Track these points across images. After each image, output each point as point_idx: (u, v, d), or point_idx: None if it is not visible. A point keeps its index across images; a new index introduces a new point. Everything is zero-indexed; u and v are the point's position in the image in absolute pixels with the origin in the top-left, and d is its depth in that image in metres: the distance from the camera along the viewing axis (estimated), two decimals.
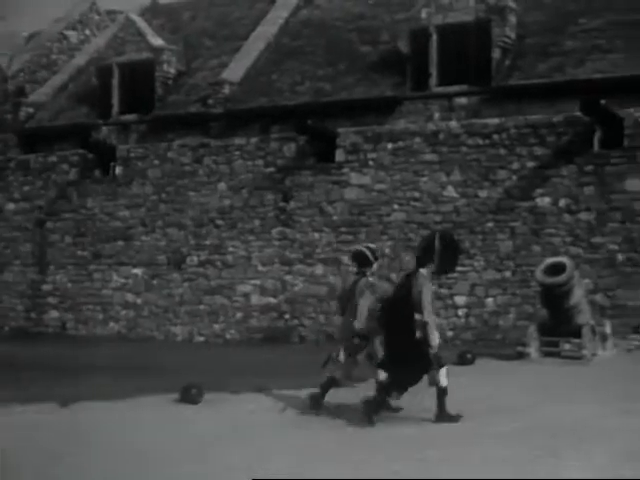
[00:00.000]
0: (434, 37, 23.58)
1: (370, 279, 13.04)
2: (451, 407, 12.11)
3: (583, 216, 20.89)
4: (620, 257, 20.47)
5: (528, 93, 22.17)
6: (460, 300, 22.02)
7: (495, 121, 22.00)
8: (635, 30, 22.05)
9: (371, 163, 23.48)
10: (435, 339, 11.91)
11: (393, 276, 22.59)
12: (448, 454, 10.33)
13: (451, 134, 22.58)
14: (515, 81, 22.59)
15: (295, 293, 24.24)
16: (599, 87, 20.75)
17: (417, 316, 11.83)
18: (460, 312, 22.02)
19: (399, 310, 12.02)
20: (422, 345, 11.85)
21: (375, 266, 13.20)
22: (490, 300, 21.59)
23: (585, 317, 18.23)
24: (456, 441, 11.02)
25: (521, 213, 21.54)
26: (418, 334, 11.81)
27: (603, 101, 20.08)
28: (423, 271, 12.11)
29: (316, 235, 24.01)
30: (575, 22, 23.26)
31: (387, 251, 22.87)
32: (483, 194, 22.03)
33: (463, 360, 17.80)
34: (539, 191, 21.36)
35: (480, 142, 22.13)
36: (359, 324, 12.71)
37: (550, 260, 18.78)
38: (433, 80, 23.53)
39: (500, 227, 21.76)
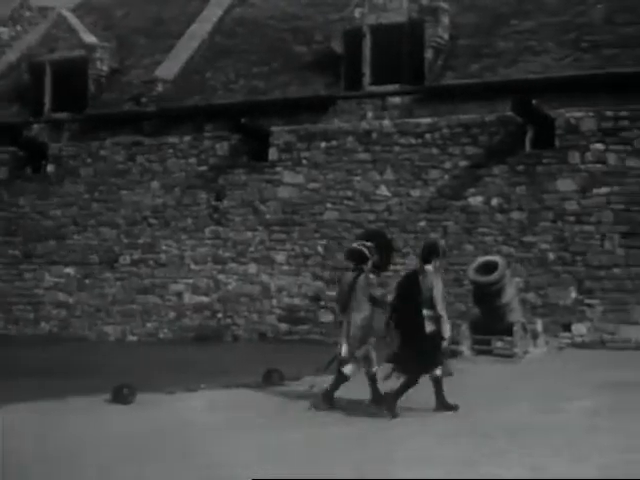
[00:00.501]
0: (367, 37, 23.41)
1: (370, 275, 13.25)
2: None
3: (515, 215, 20.94)
4: (551, 256, 20.55)
5: (461, 93, 22.01)
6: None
7: (427, 120, 21.98)
8: (566, 31, 22.06)
9: (304, 162, 23.37)
10: (447, 332, 12.37)
11: (326, 275, 22.56)
12: (391, 453, 10.21)
13: (384, 133, 22.54)
14: (448, 81, 22.38)
15: (228, 292, 24.02)
16: (531, 87, 20.68)
17: (425, 312, 12.19)
18: None
19: (408, 306, 12.31)
20: (435, 338, 12.24)
21: (370, 263, 13.35)
22: None
23: (517, 315, 18.31)
24: (397, 440, 10.92)
25: (453, 212, 21.54)
26: (429, 328, 12.17)
27: (535, 101, 20.13)
28: (429, 268, 12.50)
29: (249, 234, 23.81)
30: (507, 23, 23.13)
31: (320, 250, 22.80)
32: (416, 193, 22.00)
33: None
34: (471, 190, 21.39)
35: (413, 141, 22.10)
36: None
37: (482, 259, 18.85)
38: (366, 80, 23.34)
39: (432, 226, 21.73)
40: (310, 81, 24.24)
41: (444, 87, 22.41)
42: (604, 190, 20.22)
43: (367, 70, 23.35)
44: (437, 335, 12.24)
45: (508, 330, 17.90)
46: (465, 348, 18.16)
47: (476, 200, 21.30)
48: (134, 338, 24.95)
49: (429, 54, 22.76)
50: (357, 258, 13.38)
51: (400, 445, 10.66)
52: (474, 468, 9.39)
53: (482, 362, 17.39)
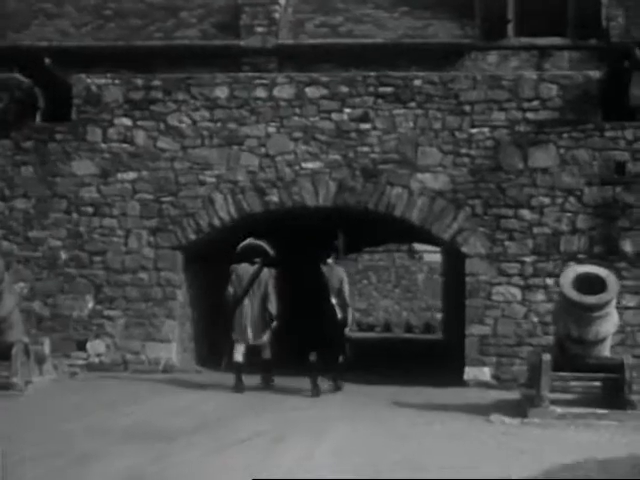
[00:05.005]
0: None
1: (272, 270, 13.64)
2: None
3: (19, 204, 15.30)
4: (64, 255, 15.27)
5: None
6: None
7: None
8: None
9: None
10: (351, 319, 13.51)
11: None
12: None
13: None
14: None
15: None
16: (48, 54, 15.86)
17: (334, 300, 12.98)
18: None
19: (317, 296, 13.00)
20: (342, 324, 13.11)
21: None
22: None
23: (17, 333, 13.08)
24: None
25: None
26: (339, 315, 13.02)
27: (48, 61, 14.89)
28: (331, 261, 13.22)
29: None
30: None
31: None
32: None
33: None
34: None
35: None
36: (274, 309, 13.40)
37: None
38: None
39: None
40: None
41: None
42: (130, 175, 15.17)
43: None
44: (344, 321, 13.11)
45: (6, 353, 12.58)
46: None
47: None
48: None
49: None
50: (258, 253, 13.53)
51: None
52: None
53: None
